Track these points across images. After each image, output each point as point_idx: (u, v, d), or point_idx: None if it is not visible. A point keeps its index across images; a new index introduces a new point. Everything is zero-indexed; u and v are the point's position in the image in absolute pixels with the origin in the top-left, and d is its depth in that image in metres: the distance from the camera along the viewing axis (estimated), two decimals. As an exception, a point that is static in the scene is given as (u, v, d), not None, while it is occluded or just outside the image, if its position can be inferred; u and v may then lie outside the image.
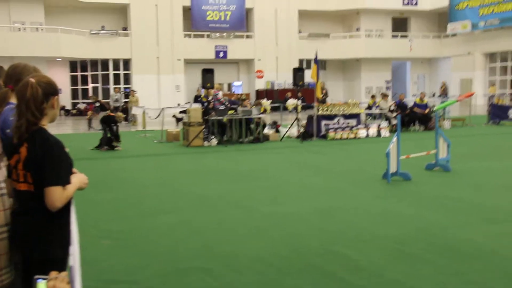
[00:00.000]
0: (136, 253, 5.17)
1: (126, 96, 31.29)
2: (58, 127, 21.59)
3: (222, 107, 16.01)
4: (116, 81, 32.73)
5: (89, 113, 22.81)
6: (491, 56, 36.32)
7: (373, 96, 19.57)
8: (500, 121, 19.82)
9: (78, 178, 2.76)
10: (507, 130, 17.51)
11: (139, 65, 32.44)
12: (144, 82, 31.77)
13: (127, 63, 33.11)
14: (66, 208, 2.65)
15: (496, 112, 20.09)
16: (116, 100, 25.31)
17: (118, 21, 33.67)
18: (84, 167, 6.07)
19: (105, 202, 7.58)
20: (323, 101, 18.86)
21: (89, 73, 33.05)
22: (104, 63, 32.80)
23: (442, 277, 4.32)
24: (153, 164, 11.64)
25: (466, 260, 4.71)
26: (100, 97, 29.30)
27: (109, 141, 14.18)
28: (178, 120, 20.91)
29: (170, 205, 7.35)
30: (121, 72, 33.04)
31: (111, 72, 32.79)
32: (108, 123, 14.38)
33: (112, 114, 15.13)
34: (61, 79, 30.72)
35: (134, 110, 22.87)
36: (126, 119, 24.29)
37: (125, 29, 33.36)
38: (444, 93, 34.59)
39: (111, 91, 28.71)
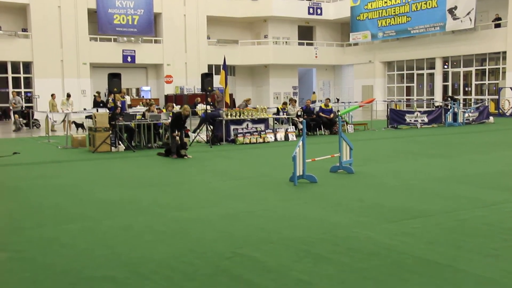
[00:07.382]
0: (33, 266, 4.87)
1: (28, 100, 29.89)
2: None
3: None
4: (16, 85, 31.05)
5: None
6: (389, 65, 38.46)
7: (284, 103, 19.94)
8: (398, 126, 21.01)
9: None
10: (404, 134, 18.58)
11: (42, 68, 30.97)
12: (47, 86, 30.33)
13: (28, 66, 31.49)
14: None
15: (394, 117, 21.27)
16: (15, 104, 24.11)
17: (16, 22, 31.99)
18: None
19: None
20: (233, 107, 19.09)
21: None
22: (2, 66, 30.98)
23: (343, 274, 4.50)
24: (55, 171, 11.12)
25: (366, 258, 4.93)
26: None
27: (178, 148, 12.66)
28: (78, 126, 20.20)
29: (73, 213, 7.03)
30: (21, 75, 31.38)
31: (9, 75, 31.04)
32: (180, 126, 12.94)
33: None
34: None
35: (36, 115, 21.82)
36: (27, 125, 23.18)
37: (24, 30, 31.74)
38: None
39: (10, 95, 27.29)
